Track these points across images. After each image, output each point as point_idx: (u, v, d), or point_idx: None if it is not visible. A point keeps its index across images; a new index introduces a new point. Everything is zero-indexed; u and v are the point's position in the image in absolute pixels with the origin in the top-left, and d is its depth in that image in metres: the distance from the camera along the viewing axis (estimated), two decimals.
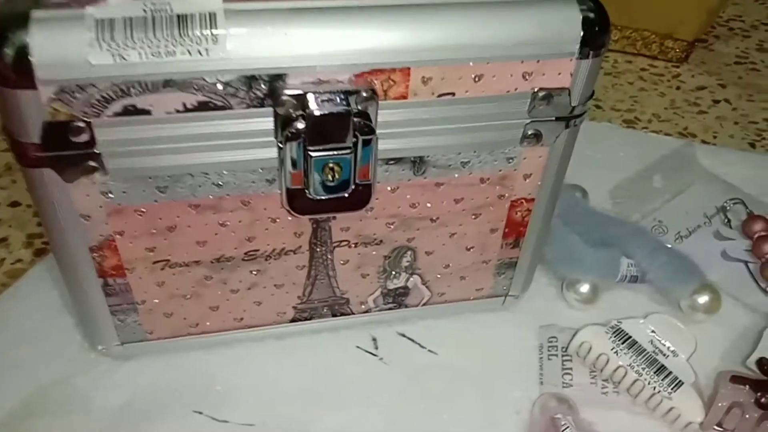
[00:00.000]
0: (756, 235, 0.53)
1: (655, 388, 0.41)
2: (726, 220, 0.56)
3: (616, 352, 0.43)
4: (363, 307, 0.45)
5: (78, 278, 0.37)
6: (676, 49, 0.87)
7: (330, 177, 0.34)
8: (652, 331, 0.44)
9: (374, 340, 0.46)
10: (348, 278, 0.42)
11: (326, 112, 0.32)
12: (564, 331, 0.47)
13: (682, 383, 0.42)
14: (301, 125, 0.32)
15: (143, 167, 0.33)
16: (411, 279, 0.44)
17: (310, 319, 0.44)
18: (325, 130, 0.32)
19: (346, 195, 0.35)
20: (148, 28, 0.29)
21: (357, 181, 0.35)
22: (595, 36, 0.34)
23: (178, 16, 0.29)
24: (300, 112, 0.32)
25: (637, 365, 0.42)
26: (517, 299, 0.48)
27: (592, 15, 0.34)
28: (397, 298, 0.45)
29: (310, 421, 0.41)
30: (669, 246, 0.50)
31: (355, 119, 0.33)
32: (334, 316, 0.44)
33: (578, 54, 0.34)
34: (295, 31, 0.31)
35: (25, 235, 0.59)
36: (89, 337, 0.42)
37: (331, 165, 0.34)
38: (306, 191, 0.35)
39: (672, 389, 0.41)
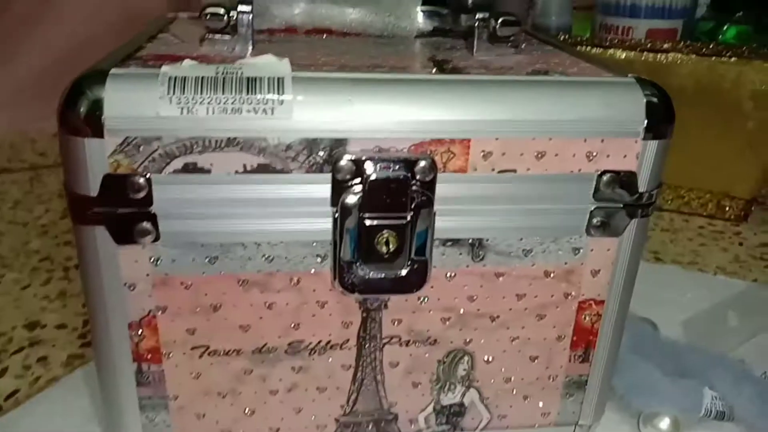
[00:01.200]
0: None
1: None
2: None
3: None
4: (413, 427, 0.40)
5: (112, 359, 0.35)
6: (735, 207, 0.85)
7: (384, 249, 0.32)
8: None
9: None
10: (397, 386, 0.38)
11: (384, 177, 0.31)
12: None
13: None
14: (358, 191, 0.31)
15: (196, 232, 0.32)
16: (468, 393, 0.39)
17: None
18: (382, 196, 0.32)
19: (401, 273, 0.33)
20: (217, 87, 0.30)
21: (413, 256, 0.33)
22: (660, 119, 0.33)
23: (248, 79, 0.31)
24: (358, 180, 0.31)
25: None
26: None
27: (655, 99, 0.34)
28: (452, 419, 0.40)
29: None
30: (757, 378, 0.45)
31: (414, 188, 0.32)
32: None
33: (643, 135, 0.33)
34: (359, 99, 0.31)
35: (66, 356, 0.58)
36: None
37: (385, 235, 0.32)
38: (358, 266, 0.33)
39: None
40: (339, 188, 0.32)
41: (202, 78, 0.30)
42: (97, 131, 0.29)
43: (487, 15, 0.40)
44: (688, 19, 0.81)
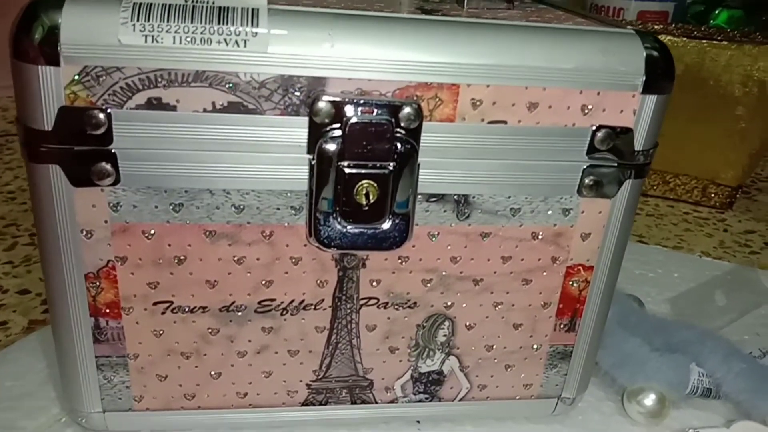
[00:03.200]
0: None
1: None
2: None
3: None
4: (389, 395, 0.38)
5: (67, 313, 0.32)
6: (720, 195, 0.84)
7: (364, 200, 0.30)
8: None
9: None
10: (374, 351, 0.36)
11: (366, 122, 0.29)
12: None
13: None
14: (337, 134, 0.29)
15: (160, 175, 0.30)
16: (447, 361, 0.37)
17: (325, 404, 0.37)
18: (363, 142, 0.29)
19: (382, 227, 0.31)
20: (186, 15, 0.28)
21: (394, 209, 0.31)
22: (659, 73, 0.32)
23: (220, 8, 0.28)
24: (336, 124, 0.29)
25: None
26: (571, 406, 0.40)
27: (656, 53, 0.32)
28: (430, 387, 0.38)
29: None
30: (746, 354, 0.43)
31: (397, 135, 0.30)
32: (353, 403, 0.38)
33: (642, 89, 0.31)
34: (340, 35, 0.29)
35: (27, 321, 0.55)
36: (69, 401, 0.35)
37: (366, 185, 0.30)
38: (336, 219, 0.31)
39: None
40: (316, 133, 0.29)
41: (170, 5, 0.28)
42: (53, 59, 0.27)
43: None
44: (680, 2, 0.80)
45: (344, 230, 0.31)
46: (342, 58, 0.29)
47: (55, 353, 0.34)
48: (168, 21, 0.27)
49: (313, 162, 0.30)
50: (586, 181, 0.33)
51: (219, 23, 0.28)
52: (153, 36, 0.27)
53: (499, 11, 0.37)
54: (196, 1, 0.28)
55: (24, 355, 0.44)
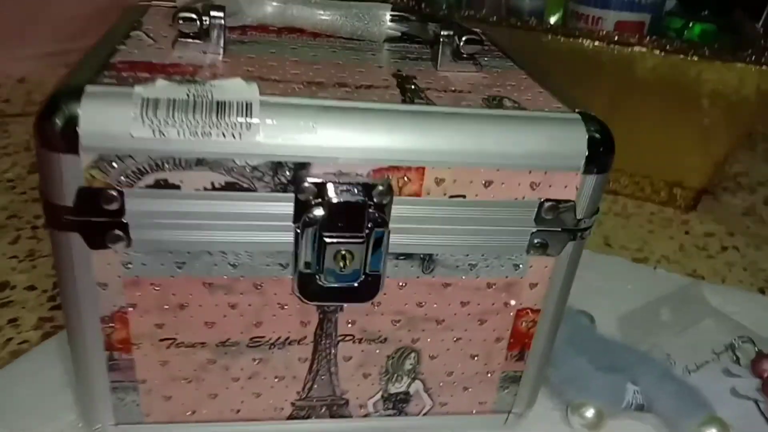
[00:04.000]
0: (766, 374, 0.52)
1: None
2: (735, 358, 0.55)
3: None
4: (362, 411, 0.44)
5: (85, 348, 0.37)
6: (685, 197, 0.90)
7: (342, 265, 0.35)
8: None
9: None
10: (349, 377, 0.42)
11: (343, 200, 0.34)
12: None
13: None
14: (318, 212, 0.34)
15: (165, 240, 0.35)
16: (413, 384, 0.43)
17: (307, 418, 0.43)
18: (341, 218, 0.34)
19: (356, 284, 0.36)
20: (188, 110, 0.32)
21: (367, 270, 0.36)
22: (600, 155, 0.36)
23: (218, 102, 0.32)
24: (319, 200, 0.34)
25: None
26: (520, 418, 0.46)
27: (597, 135, 0.37)
28: (398, 405, 0.44)
29: None
30: (677, 376, 0.50)
31: (371, 210, 0.34)
32: (332, 417, 0.43)
33: (583, 169, 0.36)
34: (322, 126, 0.33)
35: (36, 318, 0.60)
36: (85, 414, 0.41)
37: (343, 252, 0.35)
38: (317, 278, 0.36)
39: None
40: (301, 208, 0.34)
41: (174, 101, 0.32)
42: (73, 148, 0.31)
43: (451, 33, 0.42)
44: (657, 14, 0.83)
45: (324, 286, 0.36)
46: (324, 145, 0.33)
47: (74, 376, 0.40)
48: (173, 116, 0.32)
49: (298, 231, 0.35)
50: (534, 242, 0.38)
51: (217, 117, 0.32)
52: (160, 130, 0.32)
53: (467, 74, 0.42)
54: (197, 95, 0.33)
55: (40, 361, 0.49)
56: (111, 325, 0.37)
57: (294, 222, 0.35)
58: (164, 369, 0.39)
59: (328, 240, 0.35)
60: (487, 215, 0.37)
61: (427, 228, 0.37)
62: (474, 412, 0.45)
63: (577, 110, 0.37)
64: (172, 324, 0.37)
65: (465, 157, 0.35)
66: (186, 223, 0.34)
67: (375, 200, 0.34)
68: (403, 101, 0.36)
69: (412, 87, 0.39)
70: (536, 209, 0.37)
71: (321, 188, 0.34)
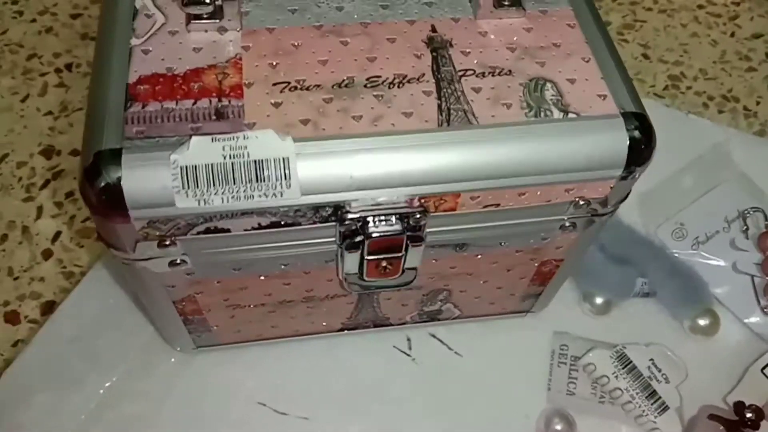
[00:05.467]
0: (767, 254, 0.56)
1: (644, 411, 0.49)
2: (744, 227, 0.59)
3: (616, 376, 0.50)
4: (401, 320, 0.51)
5: (163, 315, 0.43)
6: None
7: (381, 272, 0.39)
8: (651, 360, 0.51)
9: (408, 340, 0.53)
10: (390, 307, 0.48)
11: (382, 230, 0.36)
12: (575, 341, 0.53)
13: (668, 408, 0.49)
14: (359, 238, 0.36)
15: (221, 262, 0.38)
16: (445, 306, 0.49)
17: (355, 329, 0.51)
18: (381, 243, 0.36)
19: (395, 277, 0.40)
20: (228, 176, 0.32)
21: (404, 270, 0.39)
22: (640, 154, 0.36)
23: (255, 163, 0.32)
24: (360, 232, 0.36)
25: (633, 389, 0.49)
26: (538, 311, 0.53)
27: (638, 134, 0.36)
28: (432, 315, 0.51)
29: (352, 414, 0.50)
30: (684, 263, 0.55)
31: (408, 235, 0.36)
32: (375, 326, 0.51)
33: (622, 172, 0.36)
34: (360, 171, 0.33)
35: None
36: (168, 341, 0.49)
37: (383, 264, 0.38)
38: (358, 276, 0.40)
39: (658, 413, 0.49)
40: (343, 236, 0.36)
41: (212, 166, 0.32)
42: (123, 219, 0.33)
43: None
44: None
45: (364, 283, 0.40)
46: (362, 187, 0.34)
47: (151, 316, 0.46)
48: (214, 185, 0.32)
49: (342, 250, 0.37)
50: (563, 225, 0.40)
51: (257, 181, 0.32)
52: (204, 199, 0.32)
53: (508, 29, 0.38)
54: (233, 156, 0.32)
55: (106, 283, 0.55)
56: (183, 305, 0.42)
57: (337, 244, 0.37)
58: (232, 319, 0.45)
59: (368, 257, 0.37)
60: (520, 216, 0.38)
61: (462, 228, 0.38)
62: (497, 315, 0.52)
63: (620, 109, 0.36)
64: (236, 297, 0.43)
65: (501, 182, 0.35)
66: (238, 250, 0.37)
67: (411, 223, 0.36)
68: (439, 112, 0.35)
69: (449, 74, 0.36)
70: (569, 206, 0.38)
71: (361, 223, 0.35)
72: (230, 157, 0.32)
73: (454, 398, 0.51)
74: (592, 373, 0.51)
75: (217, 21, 0.37)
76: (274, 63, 0.36)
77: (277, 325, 0.48)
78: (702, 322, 0.53)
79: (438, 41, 0.38)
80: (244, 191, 0.33)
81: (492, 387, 0.52)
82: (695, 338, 0.53)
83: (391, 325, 0.51)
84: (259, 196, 0.33)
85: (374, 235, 0.36)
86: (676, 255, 0.56)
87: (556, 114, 0.35)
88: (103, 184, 0.32)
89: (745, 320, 0.55)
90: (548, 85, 0.36)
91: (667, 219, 0.60)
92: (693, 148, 0.64)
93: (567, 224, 0.40)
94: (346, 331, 0.51)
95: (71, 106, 0.74)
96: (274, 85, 0.35)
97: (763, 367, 0.50)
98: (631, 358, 0.51)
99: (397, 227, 0.36)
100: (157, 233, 0.34)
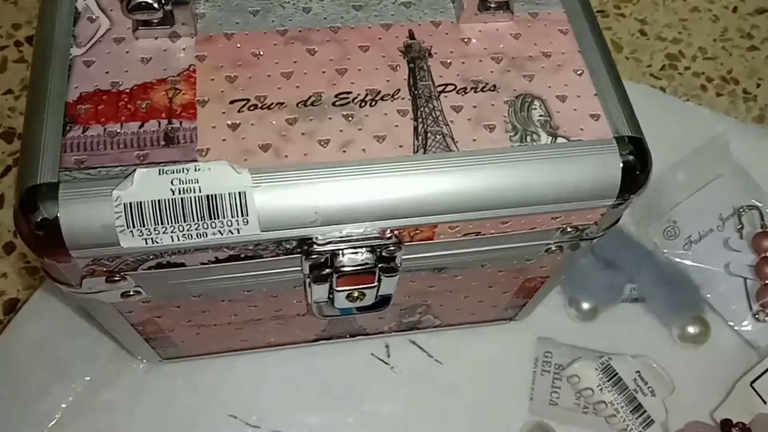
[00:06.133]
0: (762, 255, 0.54)
1: (628, 425, 0.47)
2: (739, 226, 0.56)
3: (601, 388, 0.48)
4: (378, 331, 0.49)
5: (122, 336, 0.41)
6: None
7: (352, 301, 0.36)
8: (637, 372, 0.49)
9: (387, 347, 0.51)
10: (366, 320, 0.46)
11: (353, 264, 0.33)
12: (560, 347, 0.51)
13: (653, 422, 0.47)
14: (327, 271, 0.33)
15: (177, 293, 0.35)
16: (425, 316, 0.47)
17: (330, 339, 0.48)
18: (351, 278, 0.34)
19: (368, 304, 0.38)
20: (177, 213, 0.29)
21: (377, 298, 0.37)
22: (634, 180, 0.33)
23: (208, 198, 0.29)
24: (328, 264, 0.33)
25: (617, 402, 0.48)
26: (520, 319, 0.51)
27: (632, 158, 0.33)
28: (411, 325, 0.49)
29: (327, 427, 0.48)
30: (675, 267, 0.53)
31: (380, 266, 0.33)
32: (352, 336, 0.49)
33: (614, 200, 0.33)
34: (326, 206, 0.30)
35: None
36: (131, 353, 0.47)
37: (355, 294, 0.35)
38: (328, 304, 0.37)
39: (643, 427, 0.47)
40: (310, 268, 0.33)
41: (159, 202, 0.29)
42: (64, 258, 0.30)
43: None
44: None
45: (335, 309, 0.37)
46: (328, 223, 0.31)
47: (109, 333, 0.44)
48: (162, 223, 0.29)
49: (309, 281, 0.34)
50: (548, 248, 0.37)
51: (210, 218, 0.29)
52: (152, 238, 0.29)
53: (494, 35, 0.35)
54: (183, 190, 0.29)
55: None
56: (143, 327, 0.39)
57: (305, 275, 0.34)
58: (198, 336, 0.43)
59: (339, 289, 0.35)
60: (502, 242, 0.35)
61: (440, 254, 0.36)
62: (477, 325, 0.50)
63: (614, 132, 0.32)
64: (199, 319, 0.40)
65: (482, 214, 0.32)
66: (195, 281, 0.34)
67: (384, 255, 0.33)
68: (415, 135, 0.32)
69: (427, 90, 0.33)
70: (555, 233, 0.35)
71: (329, 257, 0.32)
72: (180, 192, 0.29)
73: (434, 409, 0.49)
74: (576, 384, 0.49)
75: (168, 27, 0.33)
76: (232, 76, 0.33)
77: (248, 339, 0.45)
78: (691, 330, 0.51)
79: (416, 50, 0.34)
80: (197, 228, 0.29)
81: (472, 397, 0.50)
82: (684, 347, 0.51)
83: (369, 335, 0.49)
84: (214, 234, 0.30)
85: (344, 269, 0.33)
86: (668, 256, 0.54)
87: (544, 138, 0.32)
88: (39, 220, 0.28)
89: (736, 327, 0.53)
90: (536, 102, 0.33)
91: (660, 217, 0.57)
92: (690, 140, 0.60)
93: (553, 248, 0.37)
94: (320, 342, 0.49)
95: None
96: (232, 103, 0.32)
97: (753, 381, 0.48)
98: (617, 370, 0.49)
99: (369, 259, 0.33)
100: (104, 269, 0.31)
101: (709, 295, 0.53)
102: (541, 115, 0.33)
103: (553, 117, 0.33)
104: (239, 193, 0.29)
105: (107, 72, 0.32)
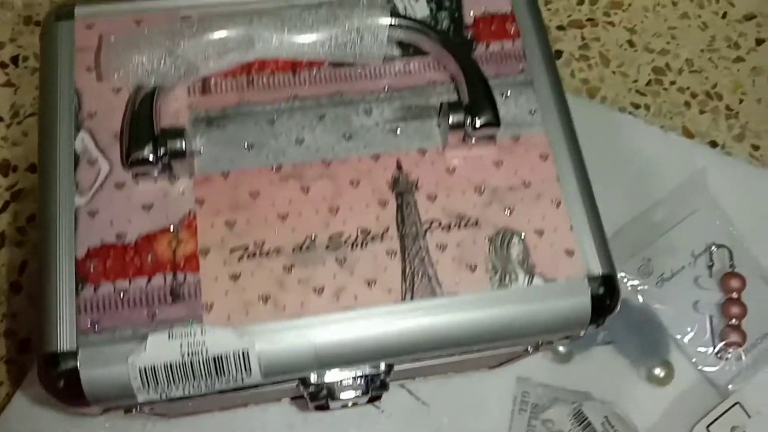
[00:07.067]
0: (728, 296, 0.58)
1: None
2: (710, 263, 0.60)
3: None
4: None
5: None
6: None
7: (347, 406, 0.39)
8: (605, 416, 0.53)
9: None
10: None
11: (347, 394, 0.36)
12: (536, 387, 0.56)
13: None
14: (323, 394, 0.37)
15: (179, 406, 0.38)
16: (411, 378, 0.51)
17: None
18: (346, 404, 0.37)
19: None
20: (188, 373, 0.32)
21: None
22: (603, 310, 0.36)
23: (214, 359, 0.32)
24: (324, 393, 0.36)
25: None
26: None
27: (601, 291, 0.35)
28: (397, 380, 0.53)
29: None
30: (645, 312, 0.56)
31: (372, 395, 0.37)
32: None
33: (585, 330, 0.36)
34: (322, 351, 0.33)
35: None
36: None
37: (349, 404, 0.39)
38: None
39: None
40: (309, 395, 0.37)
41: (171, 365, 0.32)
42: (87, 409, 0.33)
43: (461, 117, 0.35)
44: None
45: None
46: (325, 367, 0.34)
47: None
48: (174, 382, 0.32)
49: (306, 395, 0.38)
50: (528, 350, 0.41)
51: (217, 375, 0.32)
52: (165, 393, 0.32)
53: (479, 167, 0.37)
54: (191, 353, 0.32)
55: None
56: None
57: (302, 390, 0.38)
58: (178, 410, 0.47)
59: (333, 405, 0.38)
60: (480, 356, 0.39)
61: (425, 366, 0.39)
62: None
63: (587, 272, 0.35)
64: (181, 406, 0.44)
65: (465, 348, 0.35)
66: (197, 401, 0.37)
67: (378, 383, 0.36)
68: (403, 279, 0.34)
69: (414, 229, 0.35)
70: (531, 347, 0.39)
71: (326, 391, 0.36)
72: (188, 355, 0.32)
73: None
74: (550, 428, 0.54)
75: (166, 174, 0.34)
76: (231, 220, 0.34)
77: (227, 405, 0.49)
78: (657, 371, 0.55)
79: (403, 184, 0.36)
80: (205, 383, 0.32)
81: None
82: (651, 387, 0.56)
83: None
84: (220, 386, 0.33)
85: (341, 398, 0.36)
86: (640, 295, 0.58)
87: (521, 277, 0.35)
88: (62, 382, 0.31)
89: (700, 367, 0.57)
90: (515, 239, 0.35)
91: (635, 254, 0.60)
92: (669, 178, 0.63)
93: (531, 350, 0.41)
94: None
95: (23, 110, 0.69)
96: (232, 252, 0.34)
97: (709, 424, 0.53)
98: (587, 415, 0.53)
99: (361, 387, 0.36)
100: (122, 408, 0.34)
101: (678, 336, 0.57)
102: (519, 253, 0.35)
103: (530, 254, 0.35)
104: (242, 352, 0.32)
105: (111, 222, 0.34)
